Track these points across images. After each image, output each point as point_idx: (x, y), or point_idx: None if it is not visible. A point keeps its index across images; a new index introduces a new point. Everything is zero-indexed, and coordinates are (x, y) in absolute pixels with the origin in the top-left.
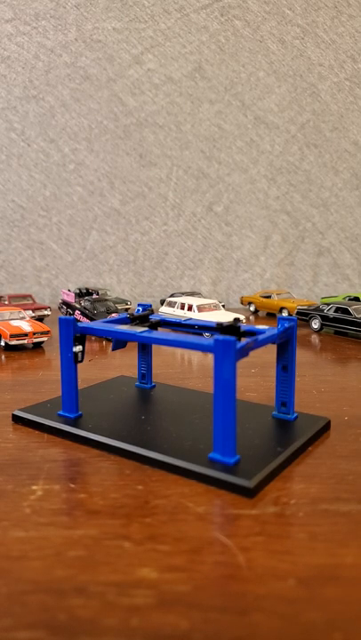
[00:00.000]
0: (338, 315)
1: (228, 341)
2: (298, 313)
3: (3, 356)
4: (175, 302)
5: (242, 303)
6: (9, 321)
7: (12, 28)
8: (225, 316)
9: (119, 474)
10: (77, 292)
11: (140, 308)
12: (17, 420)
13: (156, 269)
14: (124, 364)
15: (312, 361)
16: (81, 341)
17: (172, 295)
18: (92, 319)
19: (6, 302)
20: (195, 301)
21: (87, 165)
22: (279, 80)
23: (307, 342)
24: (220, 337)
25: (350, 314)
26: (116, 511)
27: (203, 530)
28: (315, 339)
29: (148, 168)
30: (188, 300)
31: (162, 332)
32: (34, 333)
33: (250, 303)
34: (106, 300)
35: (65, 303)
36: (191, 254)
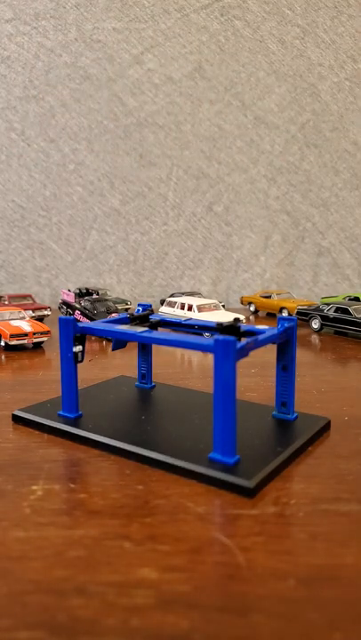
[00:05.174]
0: (338, 315)
1: (228, 341)
2: (298, 313)
3: (3, 356)
4: (175, 302)
5: (242, 303)
6: (9, 321)
7: (12, 28)
8: (225, 316)
9: (119, 474)
10: (77, 292)
11: (140, 308)
12: (17, 419)
13: (156, 269)
14: (124, 363)
15: (312, 361)
16: (81, 341)
17: (172, 295)
18: (92, 319)
19: (6, 302)
20: (195, 301)
21: (87, 165)
22: (279, 80)
23: (307, 342)
24: (220, 337)
25: (350, 314)
26: (116, 511)
27: (203, 530)
28: (315, 339)
29: (148, 168)
30: (188, 300)
31: (162, 332)
32: (34, 333)
33: (250, 303)
34: (106, 300)
35: (65, 303)
36: (191, 254)
